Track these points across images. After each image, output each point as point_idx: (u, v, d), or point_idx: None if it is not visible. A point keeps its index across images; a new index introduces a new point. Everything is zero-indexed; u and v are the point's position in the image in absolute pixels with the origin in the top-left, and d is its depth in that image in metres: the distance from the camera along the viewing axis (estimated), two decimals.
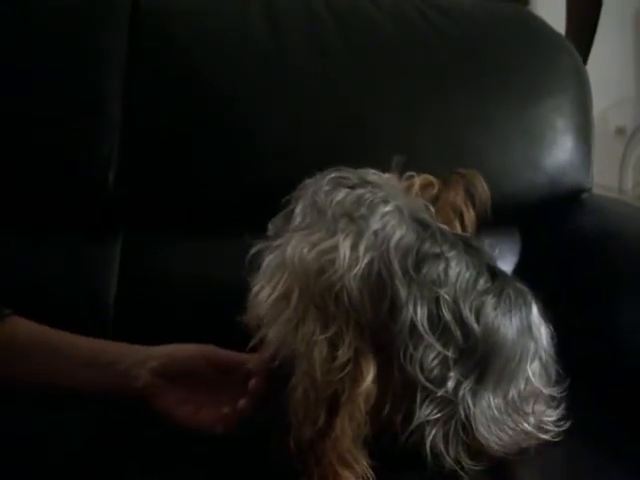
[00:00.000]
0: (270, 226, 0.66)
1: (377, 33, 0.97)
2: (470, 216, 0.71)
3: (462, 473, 0.62)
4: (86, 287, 0.88)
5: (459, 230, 0.70)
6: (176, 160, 0.90)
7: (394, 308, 0.60)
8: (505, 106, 0.95)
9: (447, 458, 0.62)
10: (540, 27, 1.01)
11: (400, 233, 0.62)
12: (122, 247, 0.90)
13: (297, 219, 0.64)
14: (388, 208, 0.63)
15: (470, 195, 0.72)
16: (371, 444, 0.61)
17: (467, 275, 0.63)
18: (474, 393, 0.62)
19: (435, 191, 0.72)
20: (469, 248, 0.65)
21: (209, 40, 0.93)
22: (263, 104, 0.92)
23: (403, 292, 0.60)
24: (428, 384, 0.61)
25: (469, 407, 0.62)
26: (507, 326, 0.63)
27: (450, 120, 0.94)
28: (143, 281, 0.89)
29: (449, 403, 0.62)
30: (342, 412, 0.59)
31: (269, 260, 0.63)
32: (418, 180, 0.72)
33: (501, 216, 0.76)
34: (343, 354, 0.58)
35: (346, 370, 0.58)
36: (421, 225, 0.63)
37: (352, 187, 0.65)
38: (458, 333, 0.61)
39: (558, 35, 1.04)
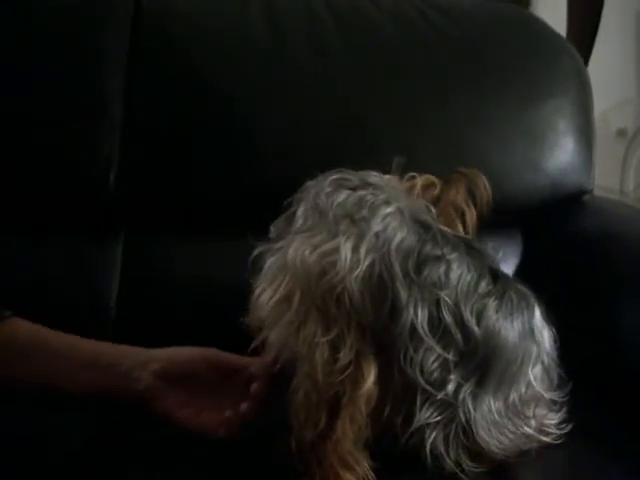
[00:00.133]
0: (272, 228, 0.66)
1: (377, 33, 0.96)
2: (472, 215, 0.71)
3: (462, 475, 0.62)
4: (87, 287, 0.87)
5: (461, 230, 0.70)
6: (176, 160, 0.90)
7: (395, 310, 0.60)
8: (506, 107, 0.95)
9: (447, 460, 0.62)
10: (541, 28, 1.01)
11: (401, 235, 0.61)
12: (123, 247, 0.90)
13: (299, 221, 0.64)
14: (389, 210, 0.63)
15: (472, 194, 0.72)
16: (372, 446, 0.61)
17: (468, 278, 0.62)
18: (474, 396, 0.62)
19: (437, 191, 0.71)
20: (471, 250, 0.65)
21: (209, 40, 0.93)
22: (263, 104, 0.91)
23: (404, 294, 0.60)
24: (428, 387, 0.61)
25: (469, 410, 0.62)
26: (508, 329, 0.63)
27: (451, 120, 0.94)
28: (144, 281, 0.89)
29: (449, 406, 0.62)
30: (343, 414, 0.59)
31: (271, 262, 0.63)
32: (420, 181, 0.72)
33: (502, 218, 0.76)
34: (344, 356, 0.58)
35: (347, 372, 0.58)
36: (422, 227, 0.63)
37: (353, 189, 0.65)
38: (459, 336, 0.61)
39: (559, 36, 1.04)
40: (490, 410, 0.63)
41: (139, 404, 0.66)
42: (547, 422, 0.67)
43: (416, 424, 0.61)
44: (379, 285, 0.60)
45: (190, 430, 0.65)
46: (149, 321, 0.86)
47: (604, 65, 1.51)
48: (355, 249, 0.60)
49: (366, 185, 0.65)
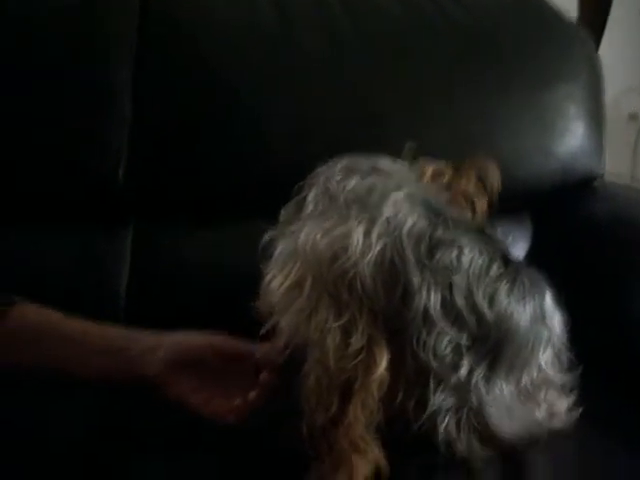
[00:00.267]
0: (282, 213, 0.66)
1: (385, 18, 0.96)
2: (482, 204, 0.71)
3: (474, 459, 0.62)
4: (98, 279, 0.88)
5: (471, 217, 0.70)
6: (185, 151, 0.90)
7: (407, 295, 0.60)
8: (517, 92, 0.95)
9: (459, 445, 0.62)
10: (552, 13, 1.00)
11: (412, 220, 0.61)
12: (133, 239, 0.90)
13: (309, 206, 0.64)
14: (400, 195, 0.63)
15: (482, 182, 0.71)
16: (384, 431, 0.61)
17: (480, 261, 0.62)
18: (487, 380, 0.62)
19: (447, 179, 0.71)
20: (482, 235, 0.64)
21: (216, 27, 0.92)
22: (271, 91, 0.91)
23: (416, 279, 0.60)
24: (441, 371, 0.61)
25: (482, 394, 0.62)
26: (520, 313, 0.63)
27: (460, 106, 0.94)
28: (154, 271, 0.89)
29: (462, 390, 0.61)
30: (355, 399, 0.59)
31: (282, 248, 0.63)
32: (430, 168, 0.71)
33: (513, 203, 0.75)
34: (356, 341, 0.58)
35: (359, 357, 0.58)
36: (433, 212, 0.63)
37: (364, 174, 0.64)
38: (471, 319, 0.61)
39: (570, 21, 1.03)
40: (502, 394, 0.63)
41: (150, 389, 0.66)
42: (557, 407, 0.67)
43: (430, 409, 0.61)
44: (391, 270, 0.60)
45: (202, 415, 0.65)
46: (159, 311, 0.86)
47: (616, 50, 1.50)
48: (367, 234, 0.60)
49: (377, 171, 0.65)
